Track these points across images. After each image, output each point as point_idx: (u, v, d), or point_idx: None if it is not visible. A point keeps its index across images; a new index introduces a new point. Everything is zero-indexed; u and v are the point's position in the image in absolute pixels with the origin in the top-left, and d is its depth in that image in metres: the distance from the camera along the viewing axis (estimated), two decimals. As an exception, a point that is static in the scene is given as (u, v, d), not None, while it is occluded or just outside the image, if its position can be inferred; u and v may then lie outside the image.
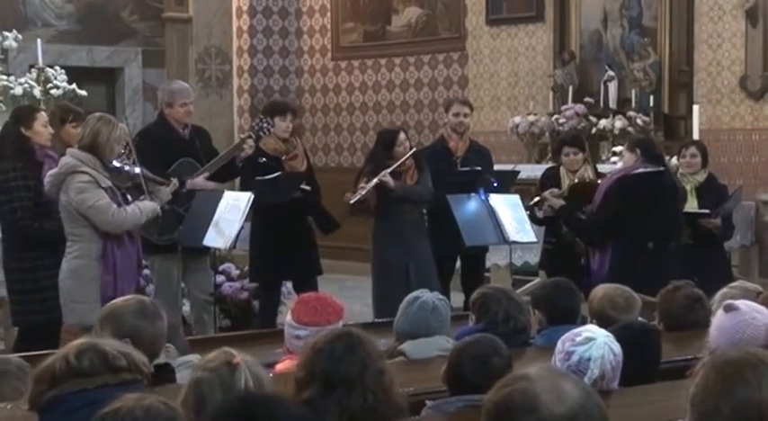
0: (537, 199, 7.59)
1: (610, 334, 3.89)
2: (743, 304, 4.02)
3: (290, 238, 7.72)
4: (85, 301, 6.11)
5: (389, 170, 7.64)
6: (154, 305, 3.99)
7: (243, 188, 7.86)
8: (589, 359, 3.76)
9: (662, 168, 7.01)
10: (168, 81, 9.36)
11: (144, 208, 6.37)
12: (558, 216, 7.47)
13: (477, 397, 3.66)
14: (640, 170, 6.86)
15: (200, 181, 7.41)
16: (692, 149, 7.92)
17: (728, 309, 3.96)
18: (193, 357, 4.40)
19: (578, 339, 3.81)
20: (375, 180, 7.59)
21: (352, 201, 7.60)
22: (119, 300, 4.07)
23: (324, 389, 3.20)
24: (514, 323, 4.71)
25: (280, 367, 4.34)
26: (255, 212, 7.69)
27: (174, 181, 6.86)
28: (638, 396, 3.88)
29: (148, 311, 3.91)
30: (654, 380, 4.07)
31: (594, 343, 3.79)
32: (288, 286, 8.21)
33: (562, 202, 7.38)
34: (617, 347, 3.83)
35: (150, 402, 2.62)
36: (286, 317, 4.55)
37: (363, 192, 7.58)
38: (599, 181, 7.42)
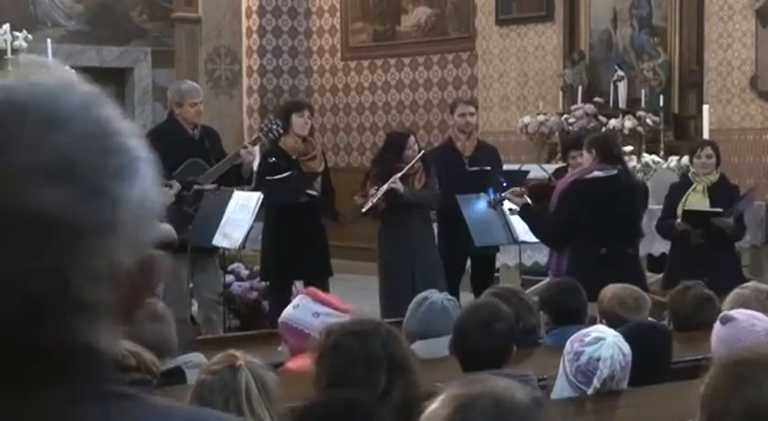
0: (498, 198, 7.41)
1: (619, 334, 3.89)
2: (739, 313, 4.02)
3: (302, 239, 7.72)
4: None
5: (399, 175, 7.61)
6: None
7: (254, 188, 7.87)
8: (599, 359, 3.75)
9: (615, 172, 6.78)
10: (178, 81, 9.37)
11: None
12: (520, 216, 7.35)
13: (497, 372, 3.66)
14: (592, 174, 6.74)
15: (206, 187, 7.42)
16: (708, 150, 7.88)
17: (725, 320, 3.97)
18: (194, 356, 4.40)
19: (587, 339, 3.81)
20: (385, 186, 7.56)
21: (364, 210, 7.59)
22: None
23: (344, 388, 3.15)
24: (524, 323, 4.71)
25: (291, 365, 4.31)
26: (268, 212, 7.71)
27: (176, 183, 6.85)
28: (648, 396, 3.87)
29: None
30: (664, 381, 4.06)
31: (604, 343, 3.78)
32: (298, 286, 8.21)
33: (525, 201, 7.14)
34: (626, 347, 3.82)
35: None
36: (297, 303, 4.49)
37: (374, 200, 7.56)
38: (557, 182, 7.30)
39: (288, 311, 4.50)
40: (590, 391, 3.77)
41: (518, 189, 7.32)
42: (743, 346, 3.71)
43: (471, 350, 3.73)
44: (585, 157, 6.93)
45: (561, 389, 3.84)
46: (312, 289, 4.55)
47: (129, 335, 3.65)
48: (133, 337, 3.66)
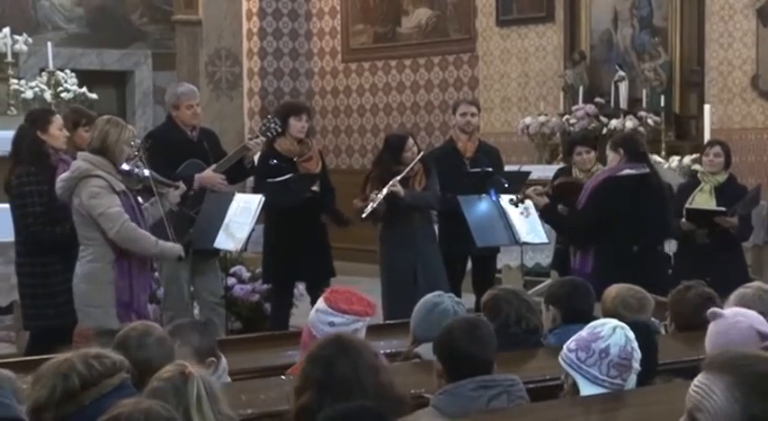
0: (520, 196, 7.41)
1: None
2: (728, 311, 4.04)
3: (303, 240, 7.72)
4: (101, 305, 6.09)
5: (399, 178, 7.58)
6: (156, 329, 4.04)
7: (254, 190, 7.85)
8: (626, 343, 3.76)
9: (647, 170, 6.85)
10: (174, 83, 9.36)
11: (164, 246, 6.27)
12: (541, 214, 7.35)
13: (488, 377, 3.65)
14: (625, 172, 6.77)
15: (207, 174, 7.39)
16: (717, 148, 7.87)
17: (713, 316, 3.97)
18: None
19: (603, 333, 3.78)
20: (385, 190, 7.53)
21: (364, 216, 7.55)
22: (124, 331, 4.10)
23: (320, 393, 3.24)
24: (526, 323, 4.71)
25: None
26: (269, 214, 7.70)
27: (182, 184, 6.84)
28: (648, 396, 3.86)
29: (147, 333, 3.98)
30: (651, 378, 4.04)
31: (618, 327, 3.79)
32: (300, 288, 8.20)
33: (546, 200, 7.19)
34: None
35: (149, 405, 2.64)
36: (316, 306, 4.50)
37: (375, 204, 7.53)
38: (585, 180, 7.33)
39: (310, 314, 4.56)
40: (633, 374, 3.77)
41: (540, 187, 7.33)
42: (727, 342, 3.75)
43: (459, 353, 3.76)
44: (612, 157, 6.95)
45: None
46: (334, 293, 4.52)
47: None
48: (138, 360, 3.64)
